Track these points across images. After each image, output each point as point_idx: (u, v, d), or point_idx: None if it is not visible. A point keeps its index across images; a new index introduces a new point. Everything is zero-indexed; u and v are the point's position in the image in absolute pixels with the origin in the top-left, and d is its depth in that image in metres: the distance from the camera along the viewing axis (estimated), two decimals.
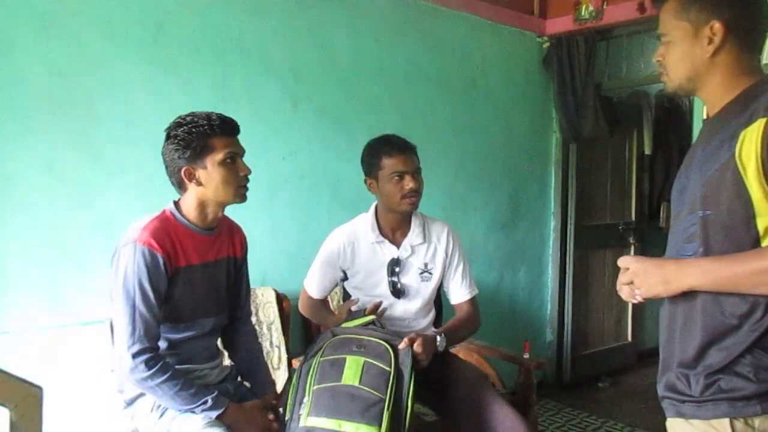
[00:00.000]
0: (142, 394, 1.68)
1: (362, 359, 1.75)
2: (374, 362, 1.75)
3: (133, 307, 1.56)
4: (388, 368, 1.74)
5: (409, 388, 1.73)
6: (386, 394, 1.69)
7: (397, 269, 2.12)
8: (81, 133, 2.12)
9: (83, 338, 2.03)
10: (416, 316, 2.18)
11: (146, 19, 2.25)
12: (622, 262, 1.24)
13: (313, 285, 2.19)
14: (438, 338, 1.96)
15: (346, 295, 2.26)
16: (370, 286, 2.14)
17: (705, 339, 1.16)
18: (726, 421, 1.12)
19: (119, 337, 1.58)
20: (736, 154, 1.10)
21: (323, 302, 2.26)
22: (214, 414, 1.61)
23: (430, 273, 2.16)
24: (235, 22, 2.48)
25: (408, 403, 1.72)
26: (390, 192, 2.06)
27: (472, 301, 2.22)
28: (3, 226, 1.99)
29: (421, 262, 2.15)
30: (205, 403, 1.60)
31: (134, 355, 1.55)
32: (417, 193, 2.06)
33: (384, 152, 2.06)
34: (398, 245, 2.14)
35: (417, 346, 1.83)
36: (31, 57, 2.02)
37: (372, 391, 1.69)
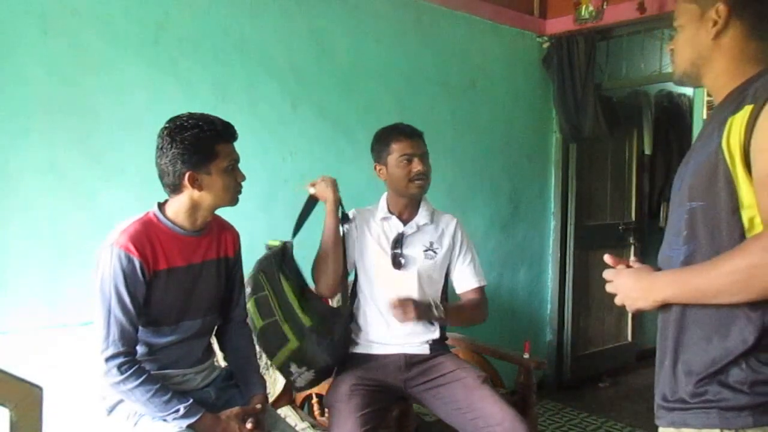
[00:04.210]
0: (121, 401, 1.66)
1: (252, 299, 1.93)
2: (258, 294, 1.92)
3: (109, 310, 1.56)
4: (264, 291, 1.92)
5: (282, 287, 1.92)
6: (277, 314, 1.92)
7: (400, 243, 2.15)
8: (81, 133, 2.12)
9: (83, 338, 2.03)
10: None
11: (146, 19, 2.25)
12: (606, 274, 1.23)
13: None
14: (433, 304, 2.01)
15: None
16: (373, 260, 2.16)
17: (682, 344, 1.13)
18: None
19: (96, 340, 1.58)
20: (723, 142, 1.06)
21: None
22: (185, 423, 1.59)
23: (435, 252, 2.18)
24: (235, 22, 2.48)
25: (292, 301, 1.91)
26: (399, 176, 2.11)
27: (480, 290, 2.22)
28: (3, 226, 1.99)
29: (426, 240, 2.18)
30: (177, 411, 1.58)
31: (107, 359, 1.55)
32: (424, 175, 2.12)
33: (393, 137, 2.13)
34: (405, 223, 2.18)
35: (396, 312, 1.93)
36: (31, 57, 2.02)
37: (268, 320, 1.92)
